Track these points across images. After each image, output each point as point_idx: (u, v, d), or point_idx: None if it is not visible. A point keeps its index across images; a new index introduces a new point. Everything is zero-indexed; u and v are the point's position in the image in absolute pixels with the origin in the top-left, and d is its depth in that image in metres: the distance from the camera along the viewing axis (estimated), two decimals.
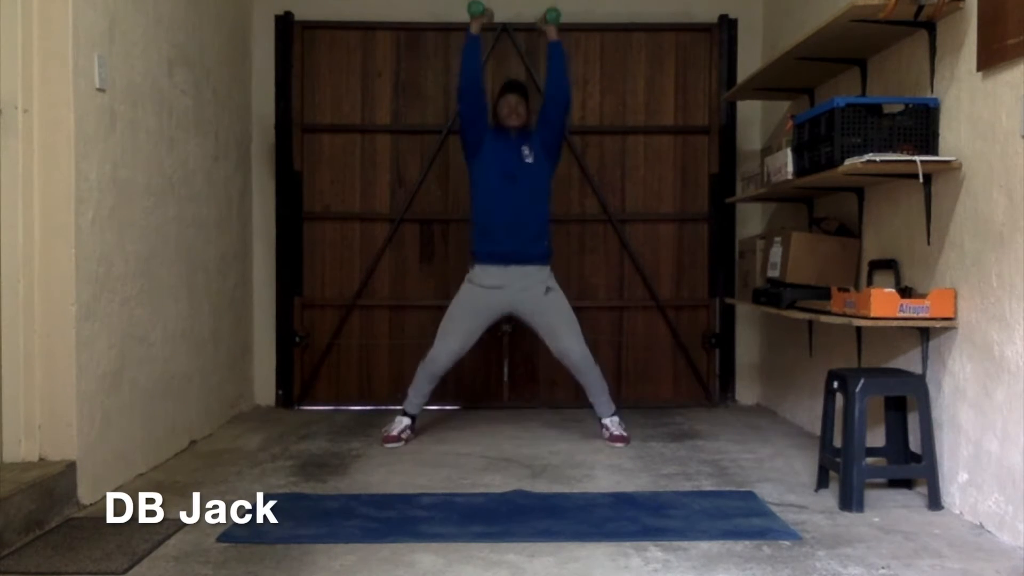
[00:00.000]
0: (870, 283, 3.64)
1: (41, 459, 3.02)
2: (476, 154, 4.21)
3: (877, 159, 3.05)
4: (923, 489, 3.16)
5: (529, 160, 4.17)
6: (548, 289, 4.17)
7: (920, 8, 3.05)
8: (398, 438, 4.15)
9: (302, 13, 5.16)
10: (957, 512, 3.03)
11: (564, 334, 4.18)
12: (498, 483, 3.47)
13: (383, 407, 5.10)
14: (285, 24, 5.15)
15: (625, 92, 5.26)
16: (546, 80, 4.26)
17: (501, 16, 5.08)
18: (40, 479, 2.84)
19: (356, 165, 5.25)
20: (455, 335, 4.17)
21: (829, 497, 3.23)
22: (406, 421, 4.22)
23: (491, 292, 4.15)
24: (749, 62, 5.08)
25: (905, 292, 3.19)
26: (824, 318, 3.44)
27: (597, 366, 4.26)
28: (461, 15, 4.17)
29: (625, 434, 4.17)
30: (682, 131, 5.26)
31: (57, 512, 2.92)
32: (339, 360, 5.25)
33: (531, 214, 4.16)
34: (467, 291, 4.19)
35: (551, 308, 4.17)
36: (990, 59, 2.84)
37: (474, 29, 4.14)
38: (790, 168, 3.73)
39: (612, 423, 4.21)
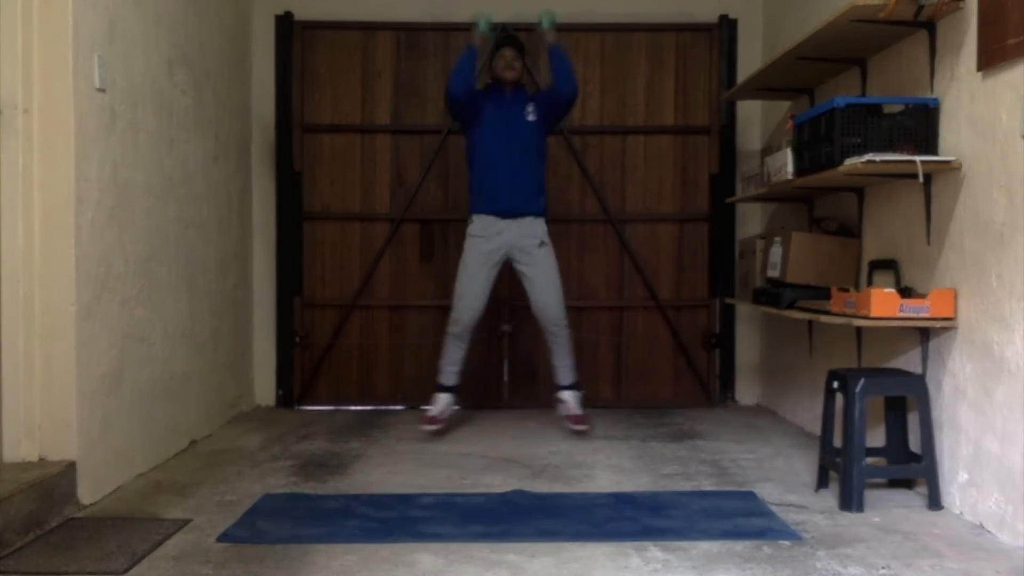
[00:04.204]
0: (870, 283, 3.63)
1: (41, 459, 3.02)
2: (474, 124, 4.26)
3: (877, 159, 3.05)
4: (923, 489, 3.16)
5: (532, 118, 4.22)
6: (542, 243, 4.24)
7: (920, 8, 3.05)
8: (438, 419, 4.14)
9: (302, 13, 5.17)
10: (957, 512, 3.03)
11: (546, 289, 4.24)
12: (498, 483, 3.47)
13: (383, 407, 5.12)
14: (285, 24, 5.15)
15: (625, 92, 5.27)
16: (553, 82, 4.27)
17: (501, 16, 5.08)
18: (40, 479, 2.84)
19: (356, 165, 5.25)
20: (472, 292, 4.22)
21: (829, 497, 3.23)
22: (446, 398, 4.24)
23: (492, 238, 4.20)
24: (749, 62, 5.08)
25: (905, 292, 3.19)
26: (824, 318, 3.43)
27: (570, 330, 4.29)
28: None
29: (583, 414, 4.14)
30: (682, 131, 5.26)
31: (57, 512, 2.92)
32: (339, 360, 5.25)
33: (529, 173, 4.22)
34: (471, 245, 4.25)
35: (541, 262, 4.24)
36: (990, 59, 2.84)
37: (477, 41, 4.17)
38: (790, 168, 3.73)
39: (571, 397, 4.21)
